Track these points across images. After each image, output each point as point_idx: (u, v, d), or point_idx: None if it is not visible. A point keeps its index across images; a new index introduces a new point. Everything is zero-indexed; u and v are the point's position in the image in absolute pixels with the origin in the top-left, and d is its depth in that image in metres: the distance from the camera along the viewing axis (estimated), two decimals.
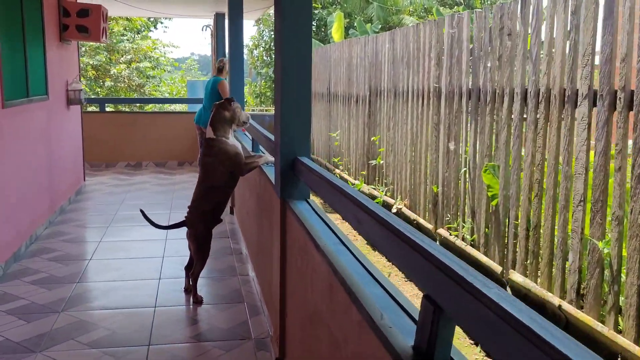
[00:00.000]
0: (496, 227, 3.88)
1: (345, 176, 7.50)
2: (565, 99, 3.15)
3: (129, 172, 10.13)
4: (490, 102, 3.94)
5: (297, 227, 2.92)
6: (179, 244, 4.94)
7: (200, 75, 31.52)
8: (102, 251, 5.06)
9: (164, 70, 22.54)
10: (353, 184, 6.94)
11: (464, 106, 4.35)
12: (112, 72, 19.58)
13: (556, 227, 3.35)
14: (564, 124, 3.16)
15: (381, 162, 6.18)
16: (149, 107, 19.73)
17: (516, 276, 3.57)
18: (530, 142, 3.50)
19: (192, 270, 4.20)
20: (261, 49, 24.20)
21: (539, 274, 3.40)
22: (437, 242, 4.73)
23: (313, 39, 21.82)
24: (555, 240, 3.33)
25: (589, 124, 2.96)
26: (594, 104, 2.95)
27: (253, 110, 21.08)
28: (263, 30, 24.26)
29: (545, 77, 3.34)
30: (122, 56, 20.27)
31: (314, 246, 2.47)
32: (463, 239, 4.35)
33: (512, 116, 3.69)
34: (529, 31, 3.52)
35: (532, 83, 3.45)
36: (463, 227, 4.37)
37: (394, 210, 5.60)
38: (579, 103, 3.03)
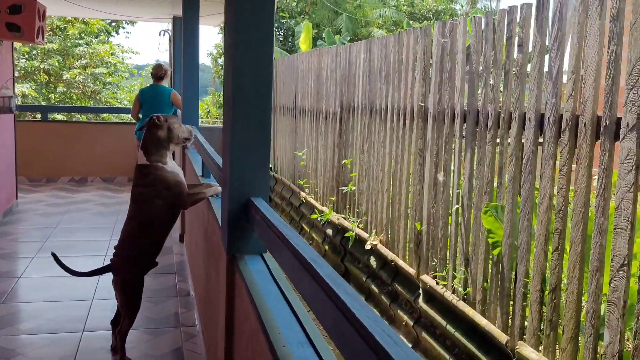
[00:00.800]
0: (498, 282, 3.14)
1: (312, 201, 6.70)
2: (601, 129, 2.43)
3: (71, 189, 9.15)
4: (493, 127, 3.21)
5: (246, 302, 2.14)
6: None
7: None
8: (18, 291, 4.20)
9: (122, 77, 21.43)
10: (321, 212, 6.15)
11: (457, 130, 3.61)
12: (65, 77, 18.42)
13: (584, 292, 2.62)
14: (599, 161, 2.43)
15: (353, 188, 5.41)
16: (107, 117, 18.60)
17: (527, 350, 2.81)
18: (547, 180, 2.77)
19: (119, 326, 3.37)
20: None
21: (560, 351, 2.66)
22: (421, 293, 3.96)
23: (279, 49, 21.01)
24: (584, 310, 2.59)
25: (637, 165, 2.24)
26: None
27: (215, 121, 20.11)
28: None
29: (571, 101, 2.62)
30: (77, 61, 19.13)
31: (266, 343, 1.70)
32: (454, 292, 3.60)
33: (523, 146, 2.96)
34: (547, 42, 2.80)
35: (552, 107, 2.73)
36: (454, 276, 3.61)
37: (367, 246, 4.83)
38: (622, 136, 2.31)
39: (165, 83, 6.78)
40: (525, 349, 2.82)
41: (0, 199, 6.92)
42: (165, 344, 3.71)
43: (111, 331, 3.42)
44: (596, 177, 2.47)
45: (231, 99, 2.37)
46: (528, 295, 2.90)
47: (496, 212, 3.14)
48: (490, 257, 3.23)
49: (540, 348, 2.79)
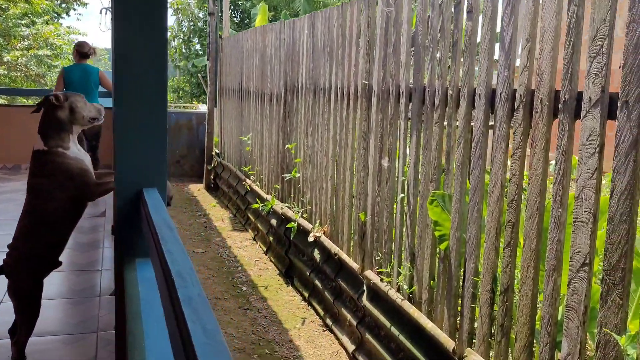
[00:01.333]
0: (446, 280, 2.79)
1: (257, 189, 6.28)
2: (560, 105, 2.08)
3: (2, 177, 8.50)
4: (440, 106, 2.85)
5: (125, 317, 1.76)
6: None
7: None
8: None
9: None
10: (265, 200, 5.73)
11: (402, 111, 3.24)
12: (5, 59, 17.45)
13: (540, 294, 2.28)
14: (557, 143, 2.08)
15: (297, 175, 5.01)
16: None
17: (475, 359, 2.47)
18: (498, 165, 2.42)
19: (16, 337, 2.93)
20: (179, 40, 22.56)
21: None
22: (365, 290, 3.60)
23: (234, 31, 20.39)
24: (539, 313, 2.26)
25: (601, 147, 1.90)
26: (610, 116, 1.89)
27: (171, 107, 19.36)
28: (182, 21, 22.62)
29: (525, 73, 2.26)
30: (19, 42, 18.14)
31: None
32: (399, 290, 3.24)
33: (473, 127, 2.60)
34: (500, 6, 2.44)
35: (504, 81, 2.37)
36: (399, 273, 3.25)
37: (310, 238, 4.44)
38: (583, 113, 1.96)
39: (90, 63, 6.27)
40: (473, 357, 2.48)
41: None
42: (78, 353, 3.28)
43: (10, 340, 2.97)
44: (553, 162, 2.13)
45: (118, 77, 1.95)
46: (477, 296, 2.56)
47: (443, 201, 2.78)
48: (438, 252, 2.89)
49: (491, 356, 2.45)
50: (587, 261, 1.93)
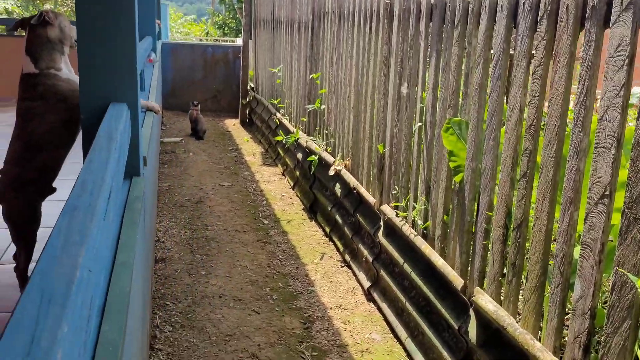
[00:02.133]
0: (459, 215, 2.56)
1: (286, 122, 6.09)
2: (588, 12, 1.77)
3: None
4: (461, 23, 2.55)
5: None
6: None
7: None
8: None
9: None
10: (290, 133, 5.55)
11: (422, 31, 2.94)
12: None
13: (555, 231, 2.04)
14: (582, 57, 1.79)
15: (321, 107, 4.78)
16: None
17: (484, 299, 2.27)
18: (518, 86, 2.14)
19: (16, 264, 2.91)
20: None
21: (522, 304, 2.12)
22: (382, 225, 3.42)
23: None
24: (553, 252, 2.03)
25: (631, 58, 1.61)
26: None
27: (216, 40, 19.11)
28: None
29: None
30: None
31: None
32: (413, 225, 3.04)
33: (493, 45, 2.31)
34: None
35: None
36: (414, 207, 3.04)
37: (331, 172, 4.25)
38: (612, 19, 1.66)
39: None
40: (482, 297, 2.28)
41: None
42: None
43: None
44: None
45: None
46: (490, 233, 2.33)
47: (459, 129, 2.53)
48: (452, 185, 2.65)
49: (502, 298, 2.25)
50: (607, 192, 1.67)
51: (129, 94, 1.81)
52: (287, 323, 3.19)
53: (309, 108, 4.89)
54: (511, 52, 2.21)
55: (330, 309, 3.39)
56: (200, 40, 21.79)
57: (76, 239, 0.74)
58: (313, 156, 4.51)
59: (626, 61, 1.61)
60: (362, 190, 3.76)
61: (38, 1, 17.24)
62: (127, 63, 1.79)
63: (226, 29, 22.43)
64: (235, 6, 21.55)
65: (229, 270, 3.78)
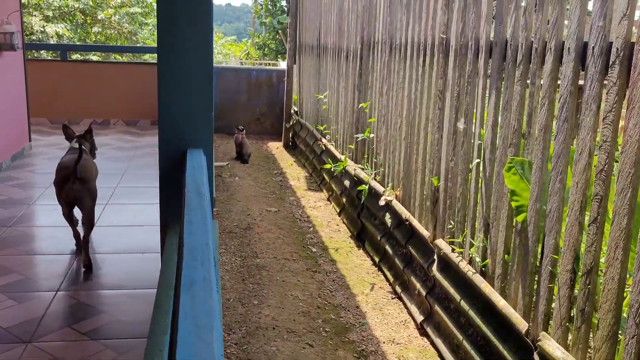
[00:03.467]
0: (522, 256, 2.54)
1: (332, 149, 6.13)
2: None
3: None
4: (523, 62, 2.54)
5: None
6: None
7: None
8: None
9: None
10: (339, 161, 5.57)
11: (481, 67, 2.94)
12: (100, 17, 18.05)
13: (629, 279, 2.00)
14: None
15: (370, 136, 4.79)
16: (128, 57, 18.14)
17: (551, 345, 2.23)
18: (587, 130, 2.12)
19: (83, 237, 3.81)
20: None
21: (593, 351, 2.08)
22: (436, 259, 3.40)
23: None
24: (627, 300, 1.99)
25: None
26: None
27: (257, 60, 19.32)
28: None
29: (624, 23, 1.93)
30: (112, 0, 18.70)
31: None
32: (470, 262, 3.01)
33: (559, 85, 2.30)
34: None
35: (598, 32, 2.04)
36: (472, 244, 3.02)
37: (382, 202, 4.26)
38: None
39: None
40: (549, 343, 2.24)
41: (9, 141, 6.62)
42: (143, 308, 3.33)
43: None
44: None
45: (162, 33, 1.82)
46: (556, 276, 2.30)
47: (522, 169, 2.51)
48: (514, 224, 2.63)
49: (570, 344, 2.20)
50: None
51: (205, 139, 1.85)
52: (341, 357, 3.19)
53: (358, 137, 4.92)
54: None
55: (383, 342, 3.37)
56: (241, 61, 22.14)
57: (204, 322, 0.77)
58: (363, 185, 4.53)
59: None
60: (415, 222, 3.75)
61: (87, 24, 17.82)
62: (203, 107, 1.84)
63: (266, 49, 22.73)
64: (276, 27, 21.89)
65: (281, 300, 3.80)
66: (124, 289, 3.51)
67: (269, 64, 18.79)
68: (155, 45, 19.20)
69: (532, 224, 2.45)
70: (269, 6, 22.62)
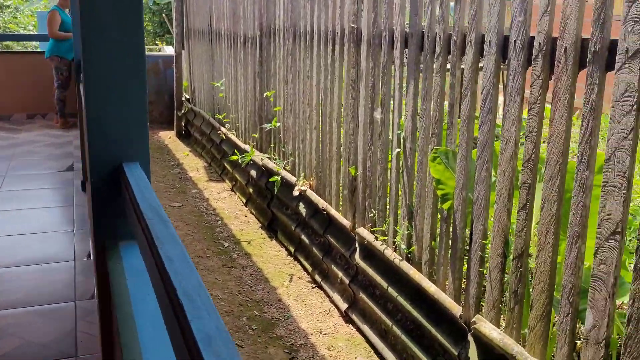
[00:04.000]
0: (449, 242, 2.63)
1: (233, 138, 5.99)
2: (589, 56, 1.86)
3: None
4: (442, 54, 2.60)
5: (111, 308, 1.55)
6: None
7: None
8: None
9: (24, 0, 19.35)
10: (243, 151, 5.47)
11: (396, 58, 2.98)
12: None
13: (560, 262, 2.13)
14: (583, 98, 1.88)
15: (277, 125, 4.74)
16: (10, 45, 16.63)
17: (487, 327, 2.34)
18: (511, 121, 2.21)
19: None
20: None
21: (528, 330, 2.20)
22: (357, 247, 3.44)
23: None
24: (559, 281, 2.12)
25: (639, 104, 1.70)
26: None
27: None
28: None
29: (546, 19, 2.02)
30: None
31: None
32: (396, 249, 3.08)
33: (481, 76, 2.38)
34: None
35: (519, 27, 2.13)
36: (395, 232, 3.08)
37: (295, 192, 4.23)
38: (617, 65, 1.75)
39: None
40: (484, 325, 2.35)
41: None
42: (56, 324, 3.08)
43: None
44: (578, 118, 1.93)
45: (86, 31, 1.65)
46: (486, 261, 2.41)
47: (447, 158, 2.59)
48: (439, 211, 2.71)
49: (505, 324, 2.32)
50: (619, 229, 1.76)
51: (141, 151, 1.73)
52: (273, 355, 3.16)
53: (265, 127, 4.84)
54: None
55: (311, 334, 3.38)
56: None
57: None
58: (275, 177, 4.47)
59: (634, 107, 1.70)
60: (333, 211, 3.77)
61: None
62: (137, 115, 1.71)
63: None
64: (152, 8, 20.92)
65: None
66: (30, 306, 3.23)
67: (154, 49, 17.97)
68: (18, 30, 17.67)
69: (459, 211, 2.54)
70: None
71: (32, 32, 16.60)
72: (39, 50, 11.98)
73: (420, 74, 2.79)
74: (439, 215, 2.72)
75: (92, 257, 3.90)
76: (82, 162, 5.37)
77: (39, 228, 4.39)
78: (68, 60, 7.73)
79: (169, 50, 9.87)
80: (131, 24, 1.63)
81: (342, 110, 3.61)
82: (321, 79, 3.90)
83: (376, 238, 3.24)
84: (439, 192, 2.64)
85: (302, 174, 4.29)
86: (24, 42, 15.82)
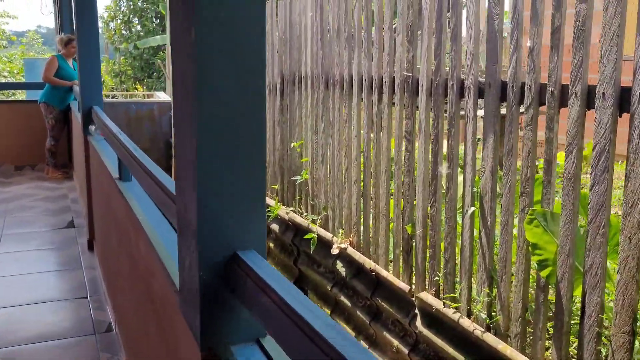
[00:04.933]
0: (545, 314, 2.35)
1: None
2: None
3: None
4: (533, 104, 2.37)
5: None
6: None
7: (48, 51, 27.34)
8: None
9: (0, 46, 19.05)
10: (268, 206, 5.14)
11: (468, 108, 2.74)
12: None
13: None
14: None
15: (307, 177, 4.45)
16: None
17: None
18: (639, 180, 1.97)
19: None
20: (119, 21, 21.31)
21: None
22: (418, 314, 3.13)
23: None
24: None
25: None
26: None
27: (113, 93, 17.98)
28: (120, 0, 21.35)
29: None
30: None
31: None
32: (476, 320, 2.78)
33: (591, 130, 2.14)
34: None
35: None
36: (471, 298, 2.79)
37: (335, 250, 3.93)
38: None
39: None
40: None
41: None
42: None
43: None
44: None
45: (190, 85, 1.34)
46: (603, 338, 2.13)
47: (545, 220, 2.33)
48: (534, 278, 2.44)
49: None
50: None
51: (257, 236, 1.43)
52: None
53: (297, 179, 4.54)
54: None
55: None
56: (112, 94, 20.67)
57: None
58: (312, 234, 4.15)
59: None
60: (384, 272, 3.47)
61: None
62: (255, 188, 1.41)
63: (123, 77, 21.50)
64: (133, 53, 20.72)
65: None
66: None
67: (130, 94, 17.63)
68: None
69: (564, 280, 2.26)
70: (123, 31, 21.45)
71: (9, 81, 16.21)
72: (25, 99, 11.60)
73: (507, 128, 2.54)
74: (534, 283, 2.44)
75: (114, 330, 3.52)
76: (88, 217, 4.99)
77: (49, 296, 3.99)
78: (59, 109, 7.38)
79: (163, 97, 9.59)
80: (251, 73, 1.34)
81: (394, 163, 3.34)
82: (363, 130, 3.64)
83: (445, 304, 2.94)
84: (535, 258, 2.37)
85: (341, 231, 3.99)
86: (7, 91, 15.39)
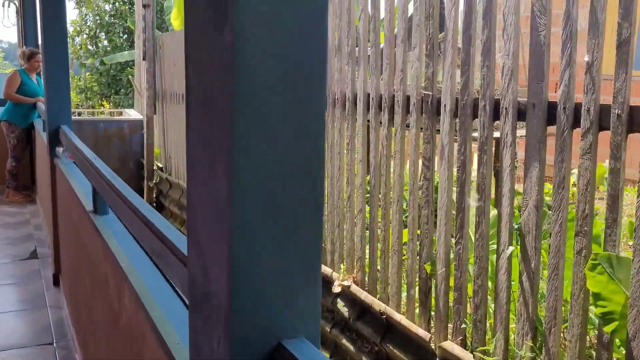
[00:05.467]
0: None
1: None
2: None
3: None
4: (592, 129, 2.02)
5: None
6: None
7: (9, 66, 26.38)
8: None
9: None
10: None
11: (506, 132, 2.38)
12: None
13: None
14: None
15: None
16: None
17: None
18: None
19: None
20: (84, 36, 20.65)
21: None
22: None
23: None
24: None
25: None
26: None
27: (79, 110, 17.20)
28: (86, 14, 20.73)
29: None
30: None
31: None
32: None
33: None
34: None
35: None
36: (508, 351, 2.41)
37: (337, 288, 3.51)
38: None
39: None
40: None
41: None
42: None
43: None
44: None
45: (220, 105, 0.90)
46: None
47: (611, 267, 1.97)
48: (593, 332, 2.07)
49: None
50: None
51: (308, 320, 1.00)
52: None
53: None
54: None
55: None
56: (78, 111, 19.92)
57: None
58: None
59: None
60: (397, 316, 3.06)
61: None
62: (308, 260, 0.99)
63: (89, 93, 20.82)
64: (99, 69, 20.07)
65: None
66: None
67: (97, 110, 16.96)
68: None
69: (638, 338, 1.90)
70: (89, 46, 20.81)
71: None
72: None
73: (558, 156, 2.19)
74: (598, 339, 2.07)
75: None
76: (54, 249, 4.47)
77: (9, 343, 3.47)
78: (22, 127, 6.83)
79: (134, 114, 9.07)
80: (308, 88, 0.92)
81: (410, 193, 2.96)
82: (371, 154, 3.26)
83: (475, 357, 2.55)
84: (599, 310, 2.01)
85: (342, 266, 3.58)
86: None
